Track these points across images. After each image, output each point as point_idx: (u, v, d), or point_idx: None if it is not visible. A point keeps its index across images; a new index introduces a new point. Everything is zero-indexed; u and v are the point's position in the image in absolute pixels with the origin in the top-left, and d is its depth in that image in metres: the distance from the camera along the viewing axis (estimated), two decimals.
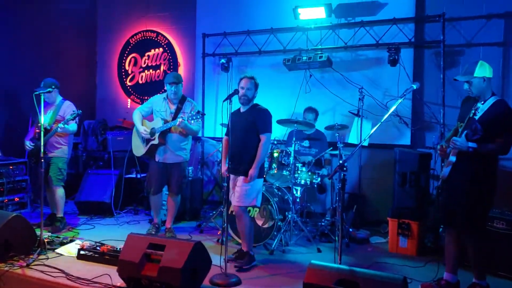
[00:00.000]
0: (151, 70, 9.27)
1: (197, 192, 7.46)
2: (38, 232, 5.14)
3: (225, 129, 5.30)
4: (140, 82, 9.37)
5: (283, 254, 5.51)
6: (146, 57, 9.32)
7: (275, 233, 5.56)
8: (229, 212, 5.73)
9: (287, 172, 5.97)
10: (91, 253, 4.95)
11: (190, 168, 7.38)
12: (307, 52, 7.19)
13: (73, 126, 6.19)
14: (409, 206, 5.75)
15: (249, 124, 5.02)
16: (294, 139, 6.07)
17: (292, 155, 5.91)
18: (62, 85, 6.41)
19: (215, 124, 8.38)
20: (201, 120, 5.73)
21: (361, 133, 6.52)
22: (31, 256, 4.86)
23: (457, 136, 4.10)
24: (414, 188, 5.78)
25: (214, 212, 6.66)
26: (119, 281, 4.19)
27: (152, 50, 9.26)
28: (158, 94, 6.13)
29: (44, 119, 6.05)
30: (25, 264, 4.65)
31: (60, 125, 5.97)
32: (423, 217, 5.71)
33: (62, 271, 4.51)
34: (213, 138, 8.05)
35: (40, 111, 5.28)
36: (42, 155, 5.25)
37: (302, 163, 6.13)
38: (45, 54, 8.57)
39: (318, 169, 6.40)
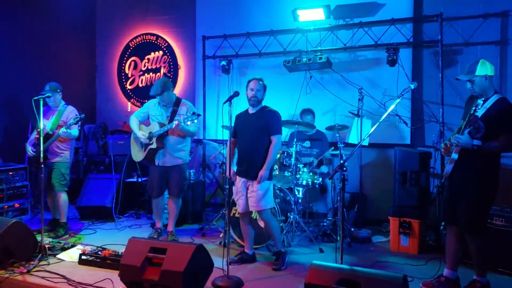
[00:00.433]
0: (151, 73, 9.28)
1: (199, 194, 7.46)
2: (39, 238, 5.13)
3: (226, 131, 5.29)
4: (140, 85, 9.39)
5: None
6: (146, 60, 9.34)
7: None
8: (231, 215, 5.75)
9: (289, 173, 5.98)
10: (93, 258, 4.94)
11: (191, 171, 7.39)
12: (307, 54, 7.22)
13: (75, 131, 6.19)
14: (410, 205, 5.76)
15: (261, 126, 5.00)
16: (295, 140, 6.08)
17: (294, 156, 5.92)
18: (63, 89, 6.41)
19: (216, 127, 8.38)
20: (197, 120, 5.74)
21: (361, 133, 6.52)
22: (31, 262, 4.83)
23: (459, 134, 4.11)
24: (414, 187, 5.79)
25: (216, 215, 6.66)
26: (121, 286, 4.19)
27: (152, 53, 9.27)
28: (153, 99, 6.14)
29: (46, 124, 6.09)
30: (25, 271, 4.63)
31: (63, 129, 5.98)
32: (424, 216, 5.73)
33: (64, 277, 4.51)
34: (214, 141, 8.05)
35: (39, 116, 5.28)
36: (42, 160, 5.26)
37: (304, 163, 6.15)
38: (45, 58, 8.58)
39: (319, 170, 6.41)
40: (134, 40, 9.47)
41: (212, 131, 8.49)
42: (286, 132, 7.17)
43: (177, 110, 5.93)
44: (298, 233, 6.18)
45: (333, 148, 6.47)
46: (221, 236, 6.14)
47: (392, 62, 6.62)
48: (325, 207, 6.95)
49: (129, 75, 9.55)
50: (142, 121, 6.12)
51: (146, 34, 9.33)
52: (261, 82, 5.11)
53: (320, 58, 6.86)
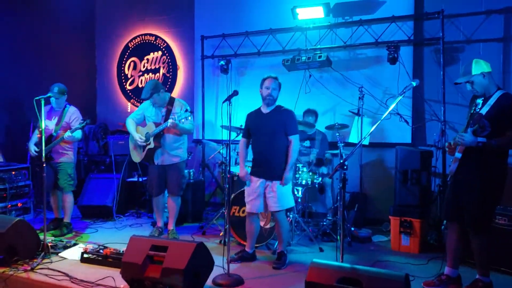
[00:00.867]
0: (150, 74, 9.29)
1: (199, 194, 7.46)
2: (41, 236, 5.15)
3: (226, 131, 5.27)
4: (140, 86, 9.39)
5: None
6: (146, 61, 9.35)
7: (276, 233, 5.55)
8: (231, 214, 5.75)
9: None
10: (95, 256, 4.96)
11: (191, 170, 7.40)
12: (306, 52, 7.21)
13: (78, 133, 6.22)
14: (411, 204, 5.75)
15: (277, 126, 4.97)
16: None
17: None
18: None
19: (215, 126, 8.39)
20: (191, 117, 5.77)
21: (361, 132, 6.52)
22: (35, 260, 4.88)
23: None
24: (415, 186, 5.78)
25: (216, 214, 6.66)
26: (122, 283, 4.20)
27: (151, 54, 9.29)
28: (147, 100, 6.16)
29: (50, 125, 6.13)
30: (29, 268, 4.67)
31: (68, 133, 6.03)
32: (425, 215, 5.72)
33: (66, 274, 4.53)
34: (213, 141, 8.04)
35: (41, 117, 5.30)
36: (44, 159, 5.29)
37: (303, 163, 6.14)
38: (45, 59, 8.61)
39: (319, 169, 6.41)
40: (134, 41, 9.48)
41: (211, 131, 8.49)
42: None
43: (171, 109, 5.96)
44: (298, 232, 6.17)
45: (329, 153, 6.49)
46: (221, 234, 6.15)
47: (393, 60, 6.61)
48: (325, 206, 6.94)
49: (129, 76, 9.56)
50: (139, 123, 6.15)
51: (145, 34, 9.34)
52: (277, 81, 5.05)
53: (320, 57, 6.85)
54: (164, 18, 9.14)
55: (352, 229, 6.18)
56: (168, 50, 9.09)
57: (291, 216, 5.83)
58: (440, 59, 6.60)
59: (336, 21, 7.36)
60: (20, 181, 7.00)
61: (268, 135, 4.98)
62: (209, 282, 4.26)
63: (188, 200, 7.10)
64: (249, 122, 5.21)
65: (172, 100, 6.05)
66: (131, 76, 9.53)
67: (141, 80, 9.37)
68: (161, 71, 9.17)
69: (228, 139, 4.82)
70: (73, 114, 6.30)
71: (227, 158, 5.00)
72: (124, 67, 9.61)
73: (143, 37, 9.37)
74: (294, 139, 4.99)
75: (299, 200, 6.27)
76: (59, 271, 4.62)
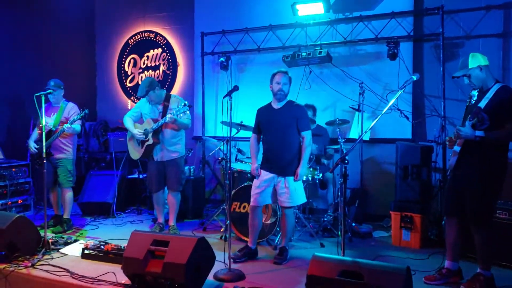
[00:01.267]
0: (150, 71, 9.29)
1: (199, 191, 7.46)
2: (42, 233, 5.15)
3: (226, 128, 5.26)
4: (140, 83, 9.35)
5: None
6: (146, 58, 9.34)
7: (278, 229, 5.55)
8: (232, 210, 5.75)
9: None
10: (96, 252, 4.96)
11: (192, 167, 7.41)
12: (306, 48, 7.20)
13: (77, 127, 6.23)
14: (412, 199, 5.76)
15: (290, 121, 4.94)
16: None
17: None
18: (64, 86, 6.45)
19: (216, 123, 8.39)
20: (189, 112, 5.80)
21: (362, 127, 6.51)
22: (35, 256, 4.87)
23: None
24: (416, 181, 5.79)
25: (217, 210, 6.66)
26: (123, 279, 4.20)
27: (151, 51, 9.28)
28: (143, 98, 6.18)
29: (49, 121, 6.13)
30: (30, 264, 4.66)
31: (67, 125, 6.00)
32: (426, 210, 5.72)
33: (67, 270, 4.52)
34: (213, 137, 8.04)
35: (41, 113, 5.30)
36: (44, 155, 5.29)
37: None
38: (45, 56, 8.61)
39: (320, 165, 6.41)
40: (133, 38, 9.47)
41: (211, 127, 8.49)
42: None
43: (168, 105, 5.98)
44: (299, 228, 6.18)
45: (331, 148, 6.49)
46: (222, 230, 6.15)
47: (393, 56, 6.61)
48: (325, 202, 6.94)
49: (129, 73, 9.56)
50: (136, 120, 6.16)
51: (145, 31, 9.34)
52: (287, 75, 5.03)
53: (320, 53, 6.84)
54: (164, 15, 9.14)
55: (353, 224, 6.19)
56: (168, 47, 9.08)
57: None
58: (440, 55, 6.60)
59: (336, 17, 7.36)
60: (20, 178, 6.99)
61: (280, 131, 4.95)
62: (210, 277, 4.26)
63: (189, 197, 7.10)
64: (260, 117, 5.17)
65: (168, 97, 6.07)
66: (131, 73, 9.52)
67: (141, 77, 9.36)
68: (161, 68, 9.16)
69: (229, 135, 4.82)
70: (71, 109, 6.30)
71: (228, 154, 4.99)
72: (124, 64, 9.60)
73: (143, 34, 9.37)
74: (307, 135, 4.97)
75: None
76: (60, 267, 4.61)
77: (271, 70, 5.45)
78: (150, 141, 5.89)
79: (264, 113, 5.13)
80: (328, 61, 7.10)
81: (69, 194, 6.36)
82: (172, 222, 6.11)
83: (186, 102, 5.77)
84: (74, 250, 5.23)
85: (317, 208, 7.22)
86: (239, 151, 6.82)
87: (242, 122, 6.22)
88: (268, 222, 5.61)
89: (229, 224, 4.73)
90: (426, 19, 6.91)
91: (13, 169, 6.91)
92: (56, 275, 4.44)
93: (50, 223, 6.29)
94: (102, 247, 5.00)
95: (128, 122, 6.08)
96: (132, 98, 9.48)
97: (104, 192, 7.39)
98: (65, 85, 6.40)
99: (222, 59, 7.98)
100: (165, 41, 9.10)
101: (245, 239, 5.56)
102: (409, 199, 5.78)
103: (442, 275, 4.34)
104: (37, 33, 8.49)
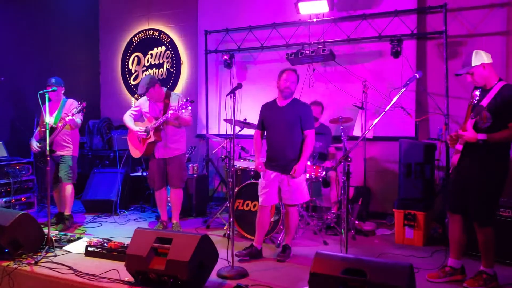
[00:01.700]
0: (154, 69, 9.29)
1: (202, 189, 7.48)
2: (46, 230, 5.17)
3: (229, 126, 5.25)
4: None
5: None
6: (149, 56, 9.35)
7: (282, 226, 5.56)
8: (235, 207, 5.76)
9: None
10: (99, 249, 4.98)
11: (195, 165, 7.41)
12: (310, 46, 7.19)
13: (78, 119, 6.24)
14: (415, 197, 5.75)
15: (294, 119, 4.93)
16: None
17: None
18: (66, 84, 6.48)
19: (219, 121, 8.39)
20: (191, 108, 5.82)
21: (365, 125, 6.51)
22: (39, 254, 4.88)
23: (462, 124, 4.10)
24: (419, 179, 5.78)
25: (220, 208, 6.67)
26: (127, 276, 4.21)
27: (155, 49, 9.28)
28: (143, 97, 6.20)
29: (50, 119, 6.13)
30: (33, 262, 4.67)
31: (69, 116, 6.01)
32: (429, 208, 5.71)
33: (70, 268, 4.54)
34: (217, 135, 8.05)
35: (45, 110, 5.32)
36: (48, 152, 5.30)
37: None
38: (49, 54, 8.62)
39: (323, 163, 6.41)
40: (137, 36, 9.48)
41: (215, 125, 8.49)
42: None
43: (168, 103, 5.99)
44: (302, 226, 6.18)
45: (334, 147, 6.49)
46: (225, 228, 6.16)
47: (396, 54, 6.60)
48: (329, 200, 6.94)
49: (133, 71, 9.56)
50: (137, 119, 6.19)
51: (149, 29, 9.34)
52: (295, 74, 5.01)
53: (323, 51, 6.82)
54: (168, 13, 9.14)
55: (356, 222, 6.18)
56: (172, 45, 9.09)
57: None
58: (443, 53, 6.57)
59: (340, 15, 7.35)
60: (24, 175, 7.02)
61: (284, 128, 4.95)
62: (213, 274, 4.27)
63: (192, 195, 7.13)
64: (264, 114, 5.16)
65: (168, 94, 6.08)
66: (135, 71, 9.53)
67: (145, 76, 9.35)
68: (165, 66, 9.17)
69: (232, 133, 4.82)
70: (71, 105, 6.30)
71: (231, 152, 4.99)
72: (128, 62, 9.61)
73: (147, 32, 9.37)
74: (310, 134, 4.96)
75: None
76: (63, 265, 4.63)
77: (275, 68, 5.54)
78: (152, 139, 5.90)
79: (269, 109, 5.12)
80: (331, 59, 7.10)
81: (68, 189, 6.33)
82: (175, 220, 6.12)
83: (188, 98, 5.79)
84: (77, 247, 5.24)
85: (320, 206, 7.22)
86: (243, 149, 6.83)
87: (245, 119, 6.22)
88: (272, 219, 5.61)
89: (232, 221, 4.74)
90: (429, 17, 6.88)
91: (17, 167, 6.94)
92: (59, 272, 4.45)
93: (53, 220, 6.31)
94: (105, 244, 5.02)
95: (128, 120, 6.10)
96: (135, 96, 9.48)
97: (107, 190, 7.41)
98: (69, 83, 6.43)
99: (225, 57, 7.97)
100: (169, 39, 9.10)
101: (248, 237, 5.58)
102: (412, 197, 5.76)
103: (445, 273, 4.34)
104: (41, 30, 8.51)
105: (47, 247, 5.04)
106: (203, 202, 7.46)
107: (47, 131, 5.30)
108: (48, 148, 5.30)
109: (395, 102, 4.18)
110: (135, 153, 6.16)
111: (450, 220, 4.42)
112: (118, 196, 7.24)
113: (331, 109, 7.33)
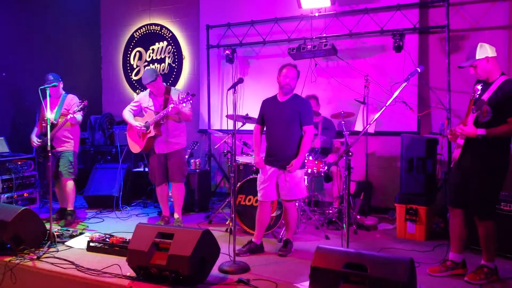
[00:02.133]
0: (156, 64, 9.29)
1: (205, 184, 7.47)
2: (48, 225, 5.18)
3: (231, 121, 5.25)
4: None
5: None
6: (151, 51, 9.34)
7: (283, 221, 5.56)
8: (237, 203, 5.76)
9: None
10: (101, 244, 4.98)
11: (197, 160, 7.41)
12: (312, 41, 7.17)
13: (79, 116, 6.25)
14: (417, 192, 5.75)
15: (293, 115, 4.92)
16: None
17: None
18: (68, 80, 6.49)
19: (221, 116, 8.39)
20: (191, 102, 5.81)
21: (367, 120, 6.50)
22: (41, 249, 4.89)
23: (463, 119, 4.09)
24: (421, 173, 5.78)
25: (222, 203, 6.68)
26: (128, 271, 4.21)
27: (157, 44, 9.28)
28: (143, 92, 6.22)
29: (50, 114, 6.13)
30: (35, 257, 4.68)
31: (70, 115, 6.03)
32: (430, 202, 5.71)
33: (72, 263, 4.55)
34: (219, 130, 8.05)
35: (46, 106, 5.32)
36: (49, 148, 5.30)
37: (309, 152, 6.14)
38: (50, 50, 8.61)
39: (325, 157, 6.41)
40: (139, 31, 9.47)
41: (217, 120, 8.49)
42: None
43: (169, 98, 5.99)
44: (304, 220, 6.19)
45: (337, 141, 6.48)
46: (227, 223, 6.16)
47: (398, 48, 6.58)
48: (331, 195, 6.94)
49: (134, 66, 9.56)
50: (136, 114, 6.18)
51: (151, 24, 9.33)
52: (296, 69, 5.00)
53: (325, 45, 6.80)
54: (169, 8, 9.12)
55: (358, 217, 6.19)
56: (173, 40, 9.08)
57: (297, 204, 5.81)
58: (445, 47, 6.55)
59: (342, 9, 7.32)
60: (26, 171, 7.02)
61: (283, 123, 4.94)
62: (215, 269, 4.28)
63: (194, 190, 7.13)
64: (265, 109, 5.15)
65: (168, 89, 6.08)
66: (137, 66, 9.53)
67: (147, 69, 9.35)
68: (167, 61, 9.16)
69: (234, 128, 4.82)
70: (71, 100, 6.33)
71: (233, 147, 4.99)
72: (129, 57, 9.61)
73: (148, 27, 9.36)
74: (309, 130, 4.96)
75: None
76: (65, 260, 4.64)
77: (277, 62, 5.51)
78: (152, 133, 5.89)
79: (269, 105, 5.11)
80: (333, 54, 7.07)
81: (69, 185, 6.34)
82: (177, 215, 6.13)
83: (188, 92, 5.79)
84: (79, 242, 5.26)
85: (322, 201, 7.22)
86: (245, 144, 6.83)
87: (247, 114, 6.22)
88: (274, 214, 5.61)
89: (234, 216, 4.74)
90: (431, 11, 6.87)
91: (19, 162, 6.94)
92: (61, 267, 4.46)
93: (54, 216, 6.32)
94: (107, 240, 5.03)
95: (127, 115, 6.09)
96: (137, 91, 9.47)
97: (109, 185, 7.42)
98: (70, 78, 6.45)
99: (227, 52, 7.96)
100: (171, 34, 9.09)
101: (250, 231, 5.58)
102: (414, 192, 5.76)
103: (446, 267, 4.34)
104: (42, 26, 8.50)
105: (49, 243, 5.04)
106: (205, 197, 7.46)
107: (48, 126, 5.30)
108: (49, 143, 5.30)
109: (397, 96, 4.17)
110: (135, 148, 6.15)
111: (451, 214, 4.42)
112: (120, 192, 7.25)
113: (333, 104, 7.32)
